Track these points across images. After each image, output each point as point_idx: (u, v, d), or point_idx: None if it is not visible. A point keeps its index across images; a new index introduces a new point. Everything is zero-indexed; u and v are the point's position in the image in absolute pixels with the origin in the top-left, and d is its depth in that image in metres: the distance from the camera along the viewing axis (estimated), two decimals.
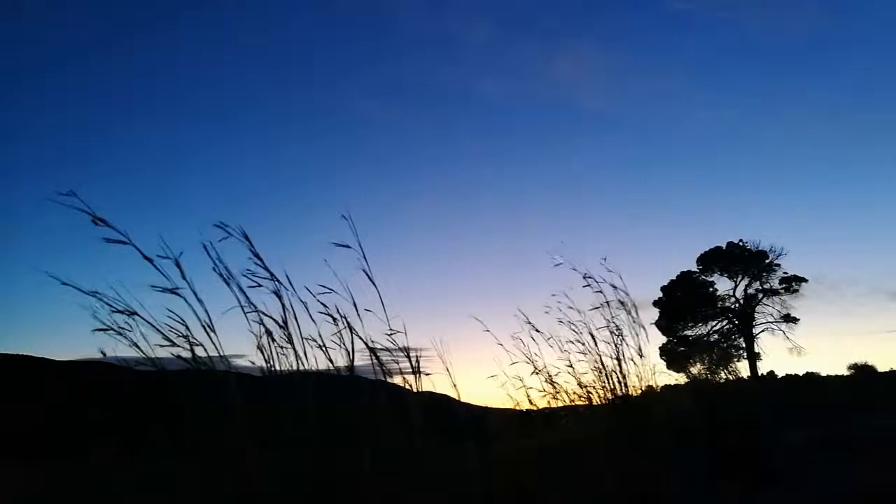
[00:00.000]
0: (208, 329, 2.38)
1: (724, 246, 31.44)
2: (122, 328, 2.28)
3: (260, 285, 2.57)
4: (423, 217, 44.76)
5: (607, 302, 4.44)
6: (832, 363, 54.34)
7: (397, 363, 2.80)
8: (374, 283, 2.78)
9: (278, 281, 2.59)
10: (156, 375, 2.39)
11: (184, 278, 2.37)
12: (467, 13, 41.45)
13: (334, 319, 2.67)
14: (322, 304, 2.68)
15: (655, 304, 31.58)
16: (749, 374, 29.47)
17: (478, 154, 45.61)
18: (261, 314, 2.54)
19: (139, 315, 2.31)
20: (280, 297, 2.59)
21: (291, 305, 2.61)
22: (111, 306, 2.29)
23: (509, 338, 4.18)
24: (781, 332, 30.31)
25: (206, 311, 2.40)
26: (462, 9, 41.67)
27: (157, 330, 2.31)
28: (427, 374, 2.90)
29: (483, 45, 41.99)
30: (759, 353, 30.47)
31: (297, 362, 2.55)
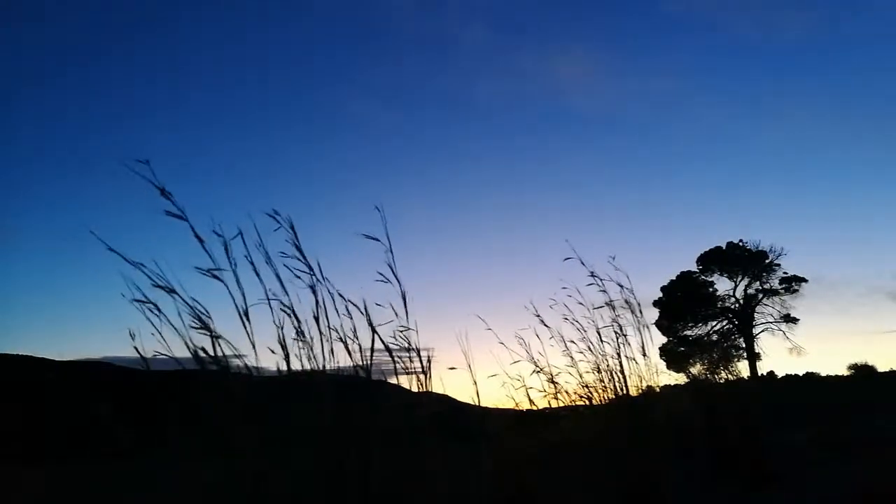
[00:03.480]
0: (245, 316, 2.35)
1: (724, 246, 31.43)
2: (157, 308, 2.24)
3: (298, 277, 2.54)
4: (422, 218, 44.74)
5: (612, 301, 4.44)
6: (832, 363, 54.41)
7: (410, 362, 2.78)
8: (398, 279, 2.76)
9: (314, 273, 2.57)
10: (166, 374, 2.37)
11: (229, 261, 2.34)
12: (464, 15, 41.51)
13: (350, 314, 2.63)
14: (343, 298, 2.64)
15: (655, 304, 31.60)
16: (749, 374, 29.47)
17: (477, 156, 45.67)
18: (292, 308, 2.50)
19: (177, 294, 2.26)
20: (315, 292, 2.56)
21: (323, 301, 2.58)
22: (152, 280, 2.24)
23: (512, 336, 4.19)
24: (781, 332, 30.35)
25: (245, 298, 2.36)
26: (459, 11, 41.74)
27: (191, 312, 2.26)
28: (451, 368, 2.88)
29: (481, 47, 42.07)
30: (759, 353, 30.50)
31: (322, 360, 2.52)
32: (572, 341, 4.31)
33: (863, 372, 27.83)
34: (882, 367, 27.93)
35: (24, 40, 39.32)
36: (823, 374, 30.30)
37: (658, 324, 31.03)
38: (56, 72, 42.79)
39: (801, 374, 30.95)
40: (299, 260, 2.56)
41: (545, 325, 4.29)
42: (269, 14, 42.79)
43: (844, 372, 28.94)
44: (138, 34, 43.20)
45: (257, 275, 2.44)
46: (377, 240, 2.72)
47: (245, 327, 2.36)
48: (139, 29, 43.52)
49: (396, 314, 2.73)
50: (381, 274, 2.73)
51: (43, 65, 42.72)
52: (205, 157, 43.77)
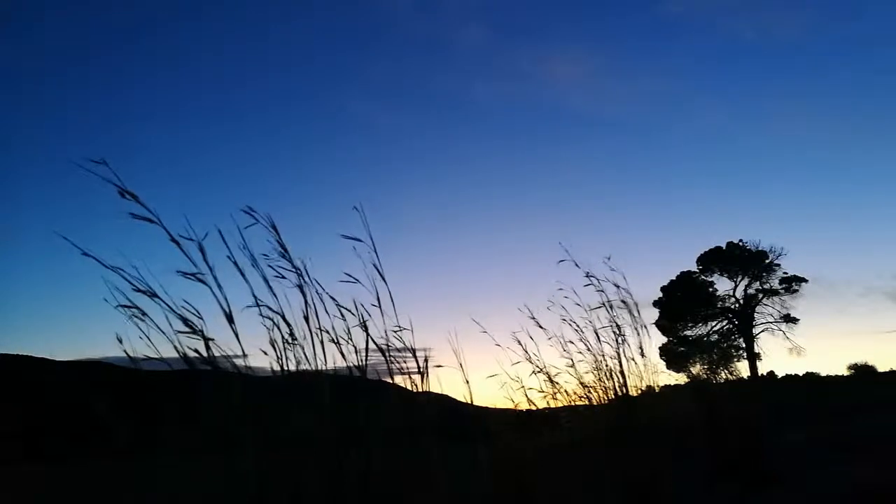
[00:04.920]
0: (228, 319, 2.30)
1: (724, 246, 31.43)
2: (142, 312, 2.17)
3: (283, 277, 2.50)
4: (422, 218, 44.73)
5: (609, 301, 4.44)
6: (832, 363, 54.36)
7: (405, 362, 2.77)
8: (384, 280, 2.74)
9: (301, 274, 2.53)
10: (162, 374, 2.34)
11: (206, 263, 2.29)
12: (463, 16, 41.57)
13: (343, 315, 2.62)
14: (333, 299, 2.62)
15: (655, 304, 31.61)
16: (749, 374, 29.49)
17: (475, 156, 45.71)
18: (280, 309, 2.48)
19: (159, 298, 2.20)
20: (303, 292, 2.53)
21: (312, 300, 2.55)
22: (133, 284, 2.17)
23: (509, 337, 4.19)
24: (781, 332, 30.34)
25: (227, 301, 2.31)
26: (457, 12, 41.79)
27: (178, 315, 2.20)
28: (438, 367, 2.87)
29: (480, 48, 42.13)
30: (759, 353, 30.50)
31: (315, 360, 2.50)
32: (570, 342, 4.32)
33: (863, 372, 27.86)
34: (882, 367, 27.99)
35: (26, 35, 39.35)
36: (823, 374, 30.36)
37: (658, 324, 31.03)
38: (51, 70, 42.80)
39: (801, 374, 31.00)
40: (285, 259, 2.53)
41: (540, 326, 4.30)
42: (268, 14, 42.83)
43: (844, 372, 28.99)
44: (137, 33, 43.22)
45: (243, 275, 2.41)
46: (359, 240, 2.70)
47: (233, 329, 2.32)
48: (139, 28, 43.53)
49: (370, 315, 2.71)
50: (347, 274, 2.70)
51: (36, 66, 42.74)
52: (204, 156, 43.78)
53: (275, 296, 2.48)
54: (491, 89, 45.83)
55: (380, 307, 2.72)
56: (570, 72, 42.23)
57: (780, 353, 32.13)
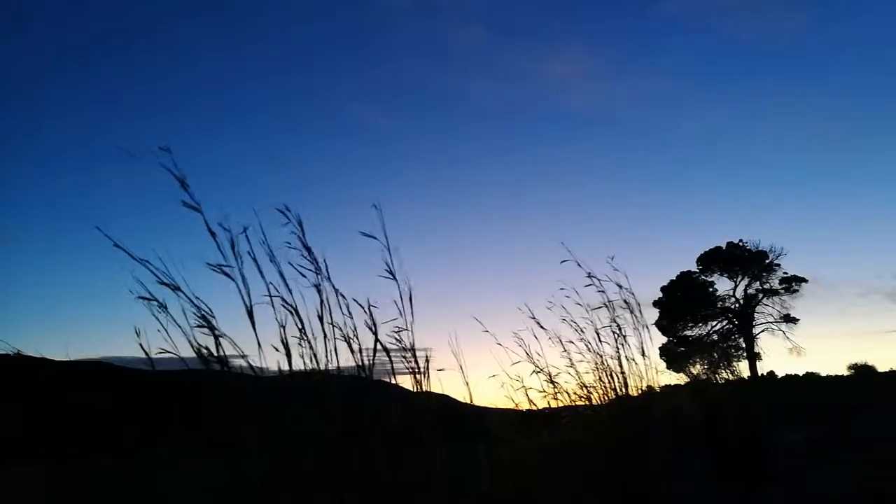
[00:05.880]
0: (249, 314, 2.31)
1: (724, 246, 31.41)
2: (160, 305, 2.18)
3: (304, 276, 2.51)
4: (422, 218, 44.73)
5: (610, 301, 4.43)
6: (832, 363, 54.36)
7: (408, 362, 2.77)
8: (395, 279, 2.74)
9: (320, 272, 2.54)
10: (167, 374, 2.33)
11: (235, 257, 2.30)
12: (462, 17, 41.61)
13: (351, 314, 2.61)
14: (344, 297, 2.61)
15: (655, 304, 31.57)
16: (749, 374, 29.46)
17: (475, 157, 45.77)
18: (295, 307, 2.47)
19: (182, 291, 2.20)
20: (319, 291, 2.53)
21: (327, 299, 2.55)
22: (157, 277, 2.17)
23: (510, 337, 4.18)
24: (781, 332, 30.31)
25: (249, 296, 2.31)
26: (456, 13, 41.84)
27: (196, 310, 2.21)
28: (440, 370, 2.87)
29: (479, 49, 42.19)
30: (759, 353, 30.46)
31: (324, 358, 2.50)
32: (571, 342, 4.32)
33: (863, 372, 27.84)
34: (882, 367, 27.97)
35: (36, 34, 39.43)
36: (823, 374, 30.34)
37: (658, 324, 31.01)
38: (56, 71, 42.86)
39: (801, 374, 30.99)
40: (306, 258, 2.53)
41: (541, 326, 4.29)
42: (270, 17, 42.88)
43: (844, 372, 28.97)
44: (139, 37, 43.28)
45: (261, 273, 2.41)
46: (374, 237, 2.70)
47: (252, 325, 2.32)
48: (141, 31, 43.59)
49: (401, 313, 2.72)
50: (388, 270, 2.72)
51: (49, 60, 42.81)
52: (203, 155, 43.79)
53: (290, 292, 2.48)
54: (490, 90, 45.83)
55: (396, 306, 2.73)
56: (570, 72, 42.21)
57: (780, 353, 32.06)
